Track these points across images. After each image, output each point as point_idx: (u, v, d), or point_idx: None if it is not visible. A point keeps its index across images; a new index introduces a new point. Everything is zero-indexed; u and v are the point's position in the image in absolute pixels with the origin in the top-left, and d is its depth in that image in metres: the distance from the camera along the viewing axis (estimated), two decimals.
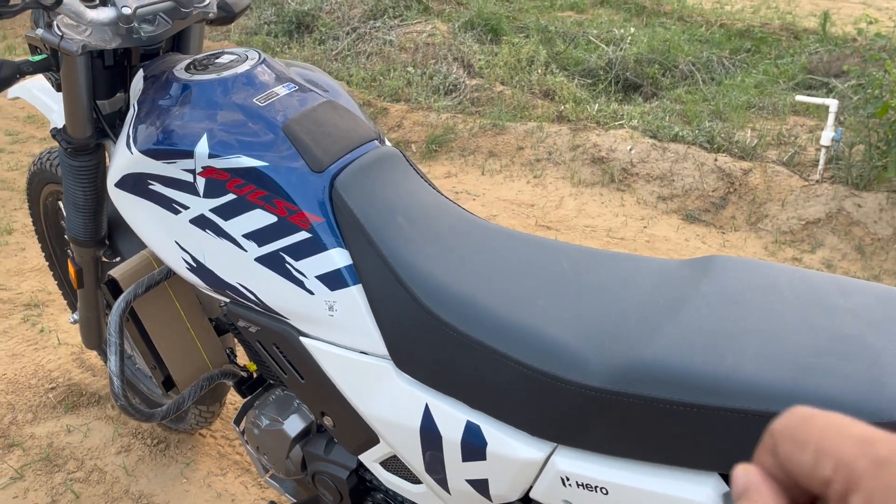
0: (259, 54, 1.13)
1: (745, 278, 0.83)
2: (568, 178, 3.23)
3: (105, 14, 1.04)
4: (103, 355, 1.92)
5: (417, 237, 0.98)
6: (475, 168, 3.40)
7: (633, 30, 4.71)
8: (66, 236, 1.44)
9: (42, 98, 1.45)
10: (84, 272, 1.51)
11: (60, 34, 1.05)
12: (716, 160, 3.06)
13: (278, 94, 1.05)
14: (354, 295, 0.98)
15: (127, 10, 1.04)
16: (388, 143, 1.10)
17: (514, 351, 0.85)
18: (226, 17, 1.24)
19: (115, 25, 1.06)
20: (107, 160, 1.32)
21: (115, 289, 1.26)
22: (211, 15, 1.19)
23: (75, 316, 1.74)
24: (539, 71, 4.14)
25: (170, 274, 1.26)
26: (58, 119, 1.31)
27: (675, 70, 4.26)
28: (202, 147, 1.01)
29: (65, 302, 2.09)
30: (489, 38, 4.91)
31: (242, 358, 1.48)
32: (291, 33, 5.03)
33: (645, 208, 3.01)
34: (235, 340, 1.45)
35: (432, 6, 5.36)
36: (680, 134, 3.28)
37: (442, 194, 1.06)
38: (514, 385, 0.85)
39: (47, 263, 1.96)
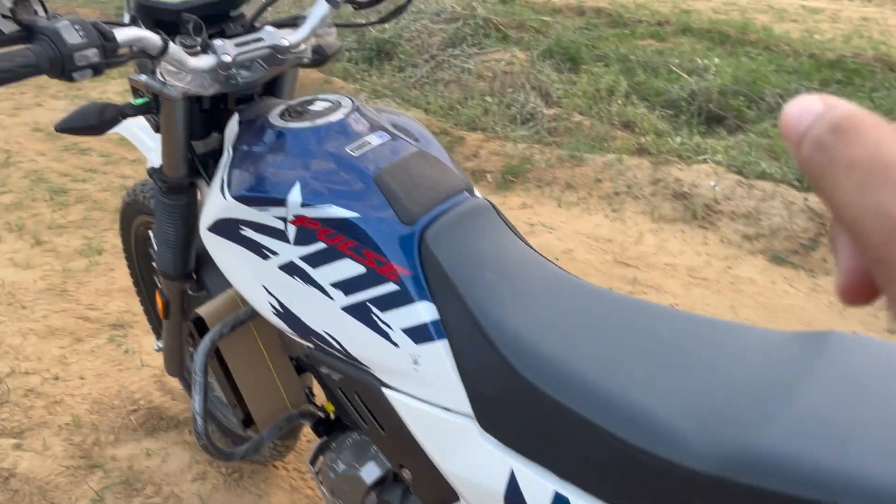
0: (352, 101, 1.13)
1: (865, 359, 0.77)
2: (648, 213, 3.15)
3: (206, 62, 1.06)
4: (184, 382, 1.96)
5: (507, 293, 0.95)
6: (551, 200, 3.35)
7: (717, 60, 4.59)
8: (154, 265, 1.48)
9: (140, 136, 1.49)
10: (171, 304, 1.54)
11: (163, 80, 1.08)
12: (806, 199, 2.94)
13: (371, 144, 1.05)
14: (440, 350, 0.96)
15: (227, 58, 1.06)
16: (477, 193, 1.08)
17: (607, 423, 0.81)
18: (319, 59, 1.25)
19: (214, 72, 1.08)
20: (199, 197, 1.34)
21: (201, 326, 1.28)
22: (305, 60, 1.20)
23: (159, 343, 1.78)
24: (619, 101, 4.08)
25: (255, 313, 1.27)
26: (154, 157, 1.35)
27: (761, 102, 4.12)
28: (295, 195, 1.01)
29: (148, 325, 2.15)
30: (568, 66, 4.88)
31: (320, 395, 1.48)
32: (371, 60, 5.12)
33: (729, 247, 2.90)
34: (314, 379, 1.46)
35: (511, 34, 5.37)
36: (767, 171, 3.16)
37: (533, 249, 1.03)
38: (606, 459, 0.81)
39: (135, 289, 2.02)
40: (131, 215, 1.77)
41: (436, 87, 4.66)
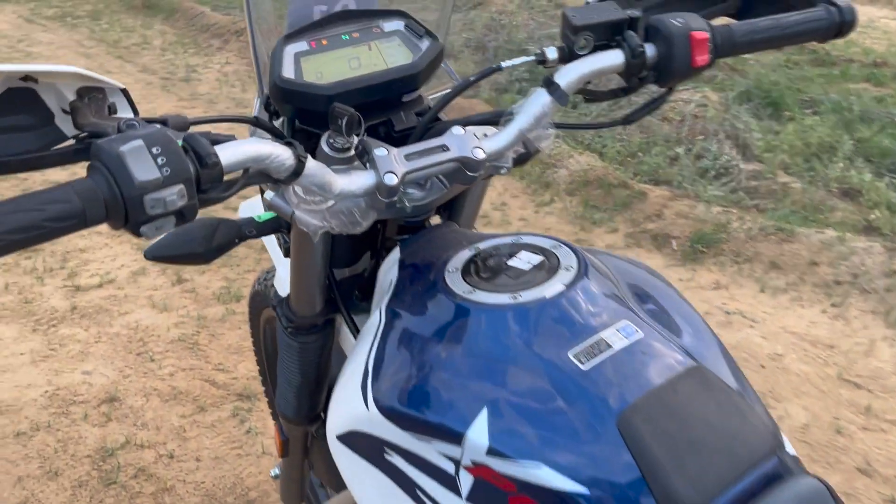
0: (575, 254, 0.71)
1: None
2: (881, 314, 2.52)
3: (360, 183, 0.68)
4: None
5: None
6: (752, 281, 2.78)
7: None
8: (276, 409, 1.14)
9: (274, 239, 1.16)
10: (290, 444, 1.20)
11: (295, 202, 0.72)
12: None
13: (612, 348, 0.63)
14: None
15: (392, 180, 0.68)
16: (790, 449, 0.63)
17: None
18: (518, 162, 0.85)
19: (372, 196, 0.70)
20: (335, 336, 0.98)
21: None
22: (503, 171, 0.80)
23: (276, 470, 1.46)
24: (841, 164, 3.41)
25: None
26: (284, 276, 1.00)
27: None
28: (478, 432, 0.60)
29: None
30: (768, 112, 4.23)
31: None
32: None
33: None
34: None
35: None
36: None
37: None
38: None
39: (260, 378, 1.72)
40: (259, 306, 1.46)
41: (612, 128, 4.18)
